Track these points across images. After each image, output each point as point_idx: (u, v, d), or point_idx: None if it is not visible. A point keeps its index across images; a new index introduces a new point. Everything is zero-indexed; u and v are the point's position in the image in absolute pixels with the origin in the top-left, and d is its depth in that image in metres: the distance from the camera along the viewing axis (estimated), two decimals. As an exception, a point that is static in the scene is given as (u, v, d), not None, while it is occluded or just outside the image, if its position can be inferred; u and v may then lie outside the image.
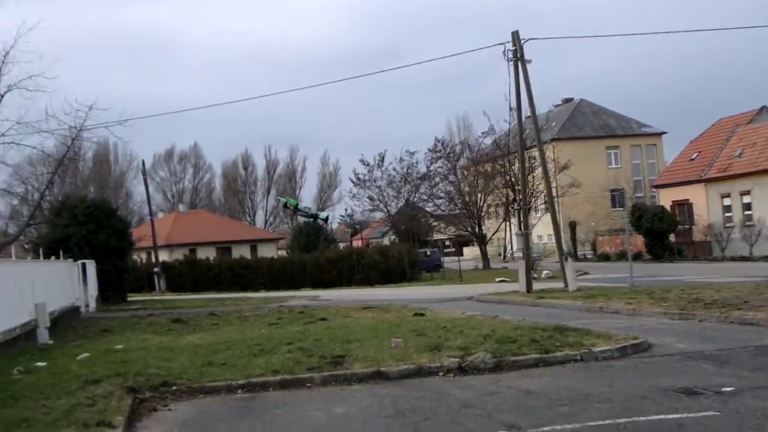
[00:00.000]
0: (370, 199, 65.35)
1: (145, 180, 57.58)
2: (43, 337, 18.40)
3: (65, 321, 23.31)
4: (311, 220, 61.03)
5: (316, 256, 50.52)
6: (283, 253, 67.59)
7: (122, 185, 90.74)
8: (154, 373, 12.47)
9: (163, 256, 58.36)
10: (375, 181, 64.39)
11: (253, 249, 70.75)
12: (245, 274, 49.82)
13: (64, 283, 26.34)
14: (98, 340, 18.59)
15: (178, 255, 58.58)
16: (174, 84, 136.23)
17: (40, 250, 27.83)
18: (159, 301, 37.00)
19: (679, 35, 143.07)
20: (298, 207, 64.56)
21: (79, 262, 30.43)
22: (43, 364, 14.09)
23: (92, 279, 31.90)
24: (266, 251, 68.54)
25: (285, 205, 63.94)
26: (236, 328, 20.27)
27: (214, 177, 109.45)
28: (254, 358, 13.52)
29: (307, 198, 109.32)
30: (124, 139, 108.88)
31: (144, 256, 60.41)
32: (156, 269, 49.89)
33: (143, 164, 60.46)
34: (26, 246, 39.90)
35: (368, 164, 63.99)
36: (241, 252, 63.66)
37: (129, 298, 37.96)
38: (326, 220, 62.99)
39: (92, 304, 31.08)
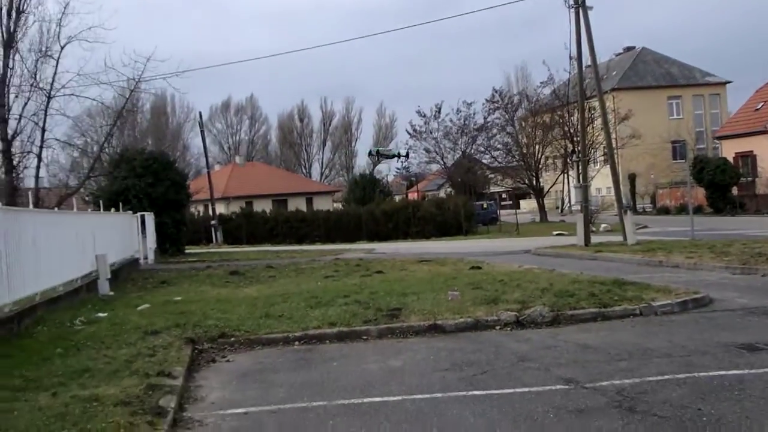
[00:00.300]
0: (427, 150, 65.14)
1: (202, 132, 58.05)
2: (104, 288, 18.79)
3: (125, 272, 23.79)
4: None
5: (372, 209, 50.61)
6: (338, 206, 67.92)
7: (179, 137, 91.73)
8: (213, 324, 12.67)
9: (220, 208, 59.05)
10: (431, 133, 64.16)
11: (309, 202, 71.22)
12: (301, 226, 50.21)
13: (124, 235, 26.84)
14: (157, 292, 18.94)
15: (235, 207, 59.25)
16: (231, 34, 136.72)
17: (100, 202, 28.31)
18: (216, 254, 37.52)
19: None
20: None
21: (138, 214, 30.95)
22: (104, 314, 14.41)
23: (151, 231, 32.41)
24: (322, 204, 68.92)
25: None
26: (293, 280, 20.46)
27: (270, 129, 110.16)
28: (311, 311, 13.64)
29: (362, 150, 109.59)
30: (182, 90, 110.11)
31: (201, 208, 61.21)
32: (213, 222, 50.54)
33: (200, 116, 60.94)
34: (87, 198, 40.64)
35: (425, 115, 63.77)
36: (297, 204, 64.15)
37: (186, 251, 38.55)
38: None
39: (151, 256, 31.62)
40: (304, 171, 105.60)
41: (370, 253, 33.67)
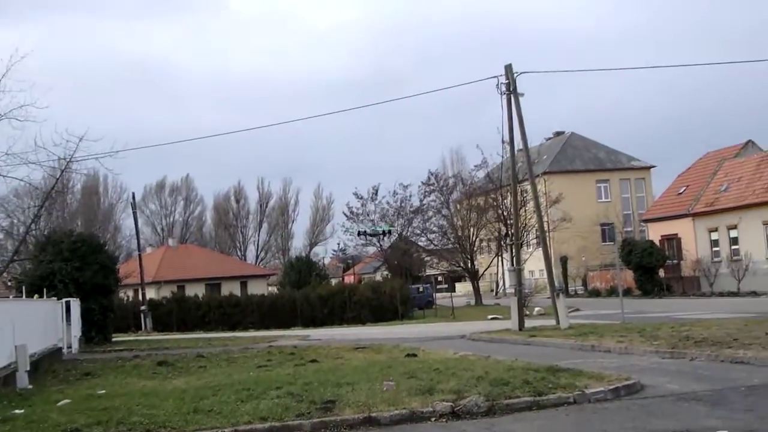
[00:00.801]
0: (363, 233, 65.00)
1: (134, 213, 57.05)
2: (23, 381, 17.98)
3: (46, 363, 22.86)
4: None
5: (308, 293, 50.14)
6: (274, 289, 67.15)
7: (111, 218, 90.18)
8: (138, 421, 12.15)
9: (151, 293, 57.86)
10: (368, 215, 64.26)
11: (243, 285, 70.34)
12: (234, 312, 49.35)
13: (47, 323, 25.91)
14: (80, 385, 18.23)
15: (166, 292, 58.04)
16: (167, 115, 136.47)
17: (23, 288, 27.38)
18: (145, 342, 36.50)
19: (668, 69, 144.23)
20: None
21: (63, 300, 29.89)
22: (21, 411, 13.73)
23: (76, 318, 31.24)
24: (257, 288, 68.14)
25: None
26: (224, 370, 19.95)
27: (205, 210, 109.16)
28: (242, 404, 13.22)
29: (299, 232, 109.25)
30: (115, 171, 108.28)
31: (131, 293, 59.87)
32: (143, 308, 49.36)
33: (133, 197, 60.01)
34: (9, 283, 39.37)
35: (362, 197, 63.99)
36: (231, 288, 63.23)
37: (114, 339, 37.34)
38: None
39: (75, 345, 30.46)
40: (239, 253, 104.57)
41: (305, 339, 33.18)
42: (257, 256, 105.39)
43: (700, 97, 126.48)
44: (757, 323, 24.24)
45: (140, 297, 51.48)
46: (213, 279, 69.54)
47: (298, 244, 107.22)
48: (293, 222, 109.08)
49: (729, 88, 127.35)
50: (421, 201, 63.63)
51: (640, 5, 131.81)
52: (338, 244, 73.59)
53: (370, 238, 63.72)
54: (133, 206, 58.01)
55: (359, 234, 62.22)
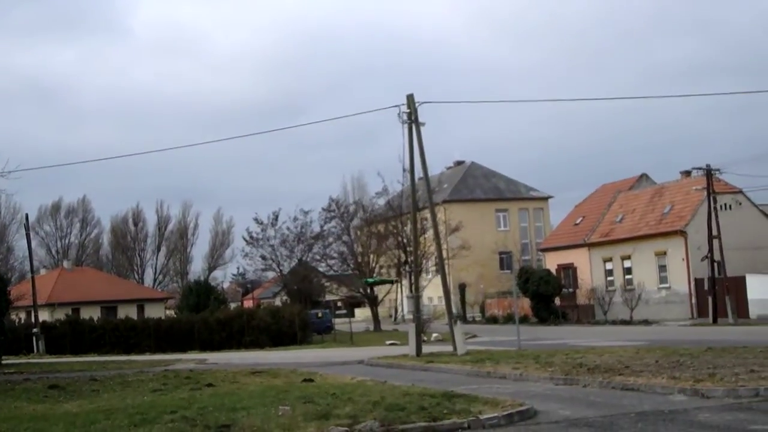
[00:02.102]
0: (263, 258, 64.69)
1: (27, 235, 55.37)
2: None
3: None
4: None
5: (206, 317, 49.46)
6: (171, 313, 65.91)
7: (4, 239, 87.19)
8: (25, 446, 11.80)
9: (44, 315, 56.07)
10: (268, 240, 63.89)
11: (140, 309, 68.74)
12: (131, 335, 48.23)
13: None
14: (-34, 409, 17.54)
15: (61, 315, 56.35)
16: (65, 135, 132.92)
17: None
18: (37, 365, 35.34)
19: (568, 103, 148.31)
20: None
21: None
22: None
23: (-35, 341, 30.14)
24: (154, 311, 66.66)
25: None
26: (118, 394, 19.49)
27: (102, 232, 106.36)
28: (135, 429, 12.96)
29: (198, 255, 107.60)
30: (8, 191, 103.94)
31: (23, 315, 57.94)
32: (35, 330, 47.79)
33: (26, 218, 58.19)
34: None
35: (262, 223, 63.54)
36: (127, 312, 61.74)
37: (4, 361, 36.08)
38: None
39: (-37, 368, 29.35)
40: (136, 277, 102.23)
41: (203, 363, 32.68)
42: (155, 280, 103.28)
43: (596, 130, 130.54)
44: (648, 351, 25.02)
45: (33, 319, 49.83)
46: (109, 302, 67.76)
47: (197, 268, 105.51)
48: (192, 246, 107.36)
49: (624, 122, 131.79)
50: (321, 227, 63.76)
51: (544, 40, 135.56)
52: (238, 268, 73.05)
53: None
54: (27, 227, 56.32)
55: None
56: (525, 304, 58.34)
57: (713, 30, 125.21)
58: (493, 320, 63.29)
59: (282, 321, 48.33)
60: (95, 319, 51.77)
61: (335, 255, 64.52)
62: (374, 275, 63.75)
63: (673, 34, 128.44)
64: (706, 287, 48.51)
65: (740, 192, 52.88)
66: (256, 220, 63.71)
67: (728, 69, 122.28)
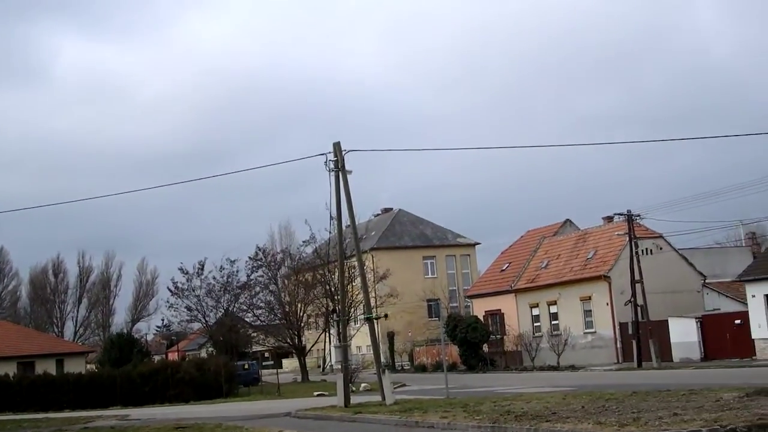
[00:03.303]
0: (188, 309, 63.73)
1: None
2: None
3: None
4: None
5: (128, 371, 48.32)
6: (92, 367, 64.23)
7: None
8: None
9: (-43, 372, 53.93)
10: (194, 290, 63.05)
11: (60, 363, 66.60)
12: (48, 391, 46.67)
13: None
14: None
15: (-26, 372, 54.34)
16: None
17: None
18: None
19: (495, 150, 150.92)
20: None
21: None
22: None
23: None
24: (74, 366, 64.70)
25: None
26: (33, 454, 18.82)
27: (20, 284, 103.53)
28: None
29: (120, 308, 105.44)
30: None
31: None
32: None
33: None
34: None
35: (187, 272, 62.71)
36: (46, 367, 59.75)
37: None
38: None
39: None
40: (56, 330, 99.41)
41: (124, 419, 31.80)
42: (76, 333, 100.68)
43: (522, 177, 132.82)
44: (575, 396, 25.23)
45: (-57, 377, 47.90)
46: (26, 357, 65.54)
47: (119, 320, 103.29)
48: (115, 297, 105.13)
49: (549, 169, 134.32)
50: (248, 276, 63.17)
51: (472, 88, 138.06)
52: (162, 320, 71.80)
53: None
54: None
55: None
56: (453, 352, 58.50)
57: (629, 84, 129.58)
58: (422, 368, 63.24)
59: (207, 373, 47.52)
60: (11, 375, 50.07)
61: (262, 305, 63.97)
62: (302, 325, 63.35)
63: (594, 87, 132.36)
64: (630, 331, 49.35)
65: (661, 236, 54.13)
66: (181, 269, 62.96)
67: (642, 120, 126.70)
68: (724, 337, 45.97)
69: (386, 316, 48.84)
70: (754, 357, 43.42)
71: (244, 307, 64.51)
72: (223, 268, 62.60)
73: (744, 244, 63.56)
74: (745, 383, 24.80)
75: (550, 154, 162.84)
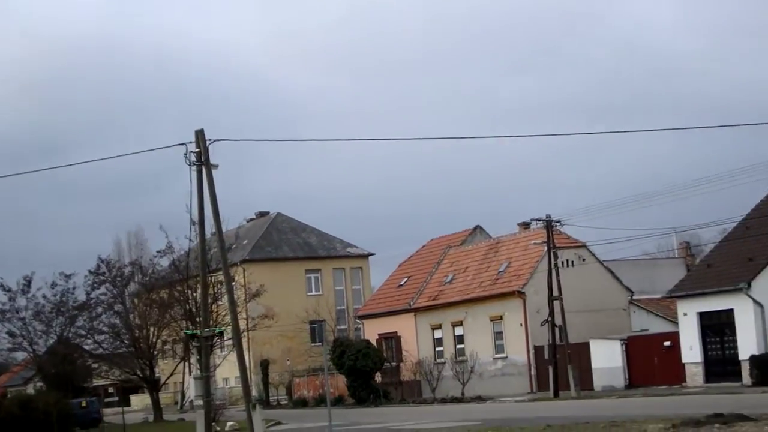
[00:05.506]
0: (11, 335, 62.34)
1: None
2: None
3: None
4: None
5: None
6: None
7: None
8: None
9: None
10: (18, 312, 61.62)
11: None
12: None
13: None
14: None
15: None
16: None
17: None
18: None
19: (394, 146, 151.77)
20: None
21: None
22: None
23: None
24: None
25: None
26: None
27: None
28: None
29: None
30: None
31: None
32: None
33: None
34: None
35: (10, 290, 61.20)
36: None
37: None
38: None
39: None
40: None
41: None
42: None
43: (425, 177, 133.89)
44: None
45: None
46: None
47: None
48: None
49: (456, 168, 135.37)
50: (88, 294, 62.00)
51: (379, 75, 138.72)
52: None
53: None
54: None
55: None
56: (340, 383, 58.86)
57: (556, 69, 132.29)
58: (303, 403, 63.34)
59: (35, 413, 46.64)
60: None
61: (105, 328, 62.92)
62: (155, 353, 62.71)
63: (514, 72, 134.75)
64: (546, 356, 50.69)
65: (584, 246, 55.64)
66: (1, 286, 61.47)
67: (569, 108, 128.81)
68: (652, 361, 47.82)
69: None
70: (684, 384, 45.31)
71: (83, 332, 63.37)
72: (56, 285, 61.32)
73: (677, 255, 65.87)
74: (673, 413, 26.13)
75: (460, 150, 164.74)
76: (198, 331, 34.68)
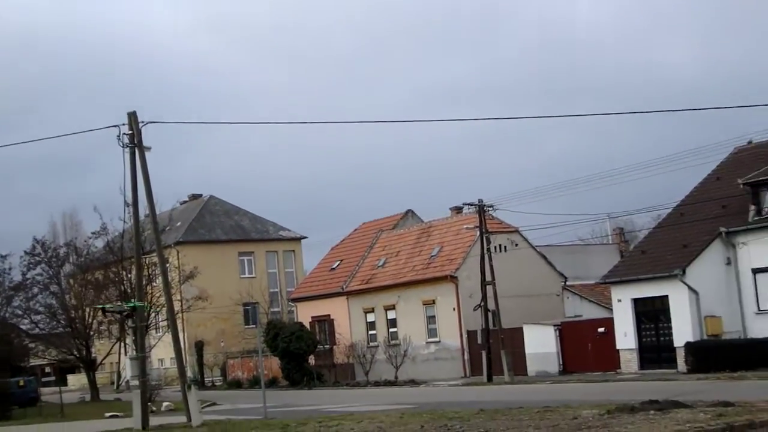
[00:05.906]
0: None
1: None
2: None
3: None
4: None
5: None
6: None
7: None
8: None
9: None
10: (-51, 292, 60.30)
11: None
12: None
13: None
14: None
15: None
16: None
17: None
18: None
19: (323, 130, 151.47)
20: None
21: None
22: None
23: None
24: None
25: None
26: None
27: None
28: None
29: None
30: None
31: None
32: None
33: None
34: None
35: (-59, 271, 59.85)
36: None
37: None
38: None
39: None
40: None
41: None
42: None
43: (358, 161, 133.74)
44: (414, 415, 25.82)
45: None
46: None
47: None
48: None
49: (389, 152, 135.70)
50: (23, 275, 60.87)
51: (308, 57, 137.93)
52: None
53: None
54: None
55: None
56: (274, 365, 58.47)
57: (481, 53, 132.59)
58: (237, 385, 62.89)
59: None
60: None
61: (41, 309, 61.94)
62: (91, 333, 61.70)
63: (440, 55, 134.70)
64: (479, 341, 50.65)
65: (517, 231, 55.63)
66: (-69, 267, 59.95)
67: (496, 91, 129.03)
68: (586, 347, 47.74)
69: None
70: (618, 370, 45.17)
71: (19, 312, 62.31)
72: (-8, 266, 60.20)
73: (611, 241, 66.30)
74: (607, 400, 26.05)
75: (392, 133, 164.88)
76: (127, 303, 34.13)
